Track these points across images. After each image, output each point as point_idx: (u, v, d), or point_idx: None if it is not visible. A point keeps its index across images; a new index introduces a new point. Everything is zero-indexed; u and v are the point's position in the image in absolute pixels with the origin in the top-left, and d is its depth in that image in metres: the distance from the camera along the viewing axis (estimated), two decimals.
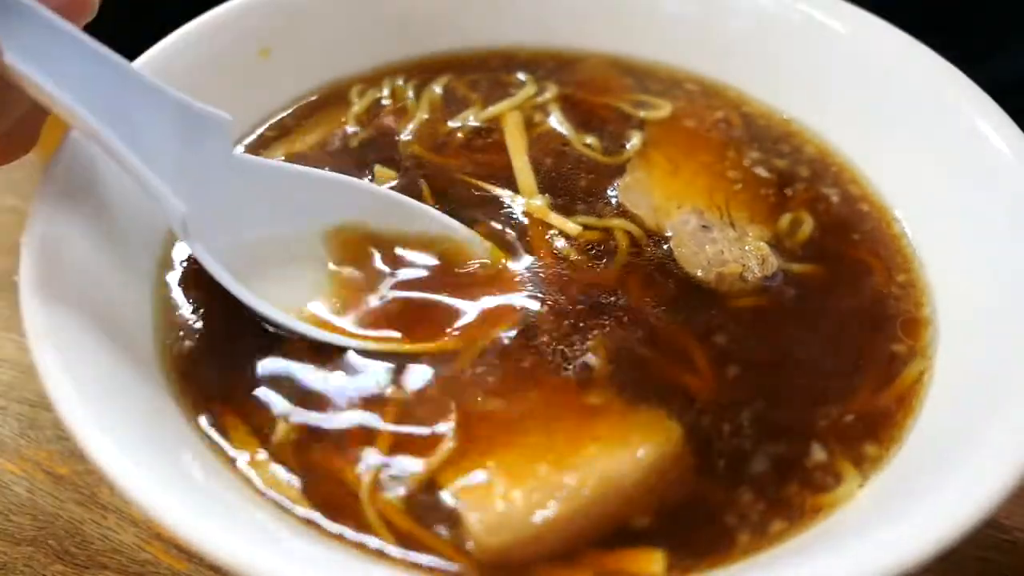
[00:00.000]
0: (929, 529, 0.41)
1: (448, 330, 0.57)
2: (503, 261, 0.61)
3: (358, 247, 0.61)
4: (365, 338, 0.56)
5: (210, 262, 0.55)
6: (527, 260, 0.61)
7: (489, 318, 0.58)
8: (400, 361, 0.56)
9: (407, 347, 0.56)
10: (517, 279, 0.60)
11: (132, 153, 0.51)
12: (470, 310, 0.59)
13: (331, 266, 0.60)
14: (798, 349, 0.58)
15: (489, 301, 0.59)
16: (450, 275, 0.60)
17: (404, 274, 0.60)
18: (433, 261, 0.61)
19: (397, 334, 0.57)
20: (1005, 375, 0.50)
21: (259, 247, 0.59)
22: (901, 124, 0.66)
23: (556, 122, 0.72)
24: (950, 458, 0.46)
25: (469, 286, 0.60)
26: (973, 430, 0.47)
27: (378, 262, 0.61)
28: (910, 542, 0.41)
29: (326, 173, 0.62)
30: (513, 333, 0.57)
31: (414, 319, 0.58)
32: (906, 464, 0.51)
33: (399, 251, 0.61)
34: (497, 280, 0.60)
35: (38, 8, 0.48)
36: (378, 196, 0.63)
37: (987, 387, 0.50)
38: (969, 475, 0.44)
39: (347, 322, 0.57)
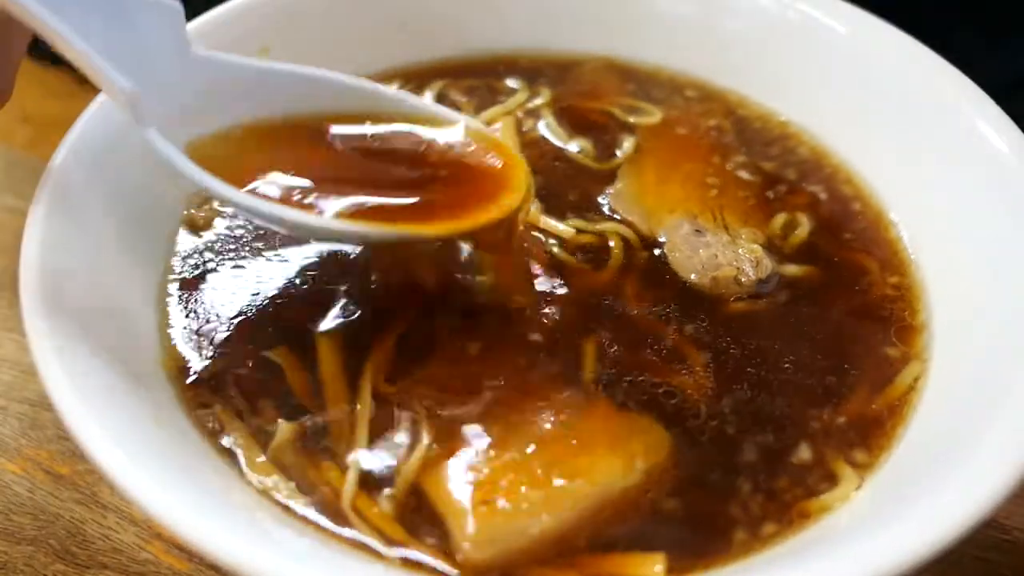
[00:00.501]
0: (928, 530, 0.41)
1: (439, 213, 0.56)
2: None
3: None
4: (336, 215, 0.54)
5: (164, 146, 0.52)
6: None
7: (482, 202, 0.56)
8: (403, 357, 0.56)
9: (381, 226, 0.54)
10: (516, 170, 0.58)
11: (70, 29, 0.47)
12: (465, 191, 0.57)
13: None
14: (794, 353, 0.57)
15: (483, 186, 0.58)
16: (436, 160, 0.58)
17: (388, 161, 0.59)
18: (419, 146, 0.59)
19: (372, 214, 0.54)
20: (1004, 375, 0.50)
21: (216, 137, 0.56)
22: (900, 124, 0.66)
23: (548, 128, 0.72)
24: (949, 459, 0.46)
25: (467, 172, 0.58)
26: (972, 431, 0.47)
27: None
28: (909, 543, 0.41)
29: (294, 67, 0.59)
30: (507, 338, 0.57)
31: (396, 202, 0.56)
32: (904, 465, 0.51)
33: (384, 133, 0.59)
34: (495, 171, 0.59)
35: None
36: (352, 86, 0.60)
37: (986, 388, 0.50)
38: (969, 475, 0.44)
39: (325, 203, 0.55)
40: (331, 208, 0.54)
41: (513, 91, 0.75)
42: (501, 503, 0.48)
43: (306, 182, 0.55)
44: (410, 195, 0.56)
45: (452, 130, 0.60)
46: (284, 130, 0.58)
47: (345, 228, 0.54)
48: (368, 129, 0.59)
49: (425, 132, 0.60)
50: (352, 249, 0.62)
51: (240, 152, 0.56)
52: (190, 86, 0.55)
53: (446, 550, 0.48)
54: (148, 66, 0.52)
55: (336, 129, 0.59)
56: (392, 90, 0.62)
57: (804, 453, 0.53)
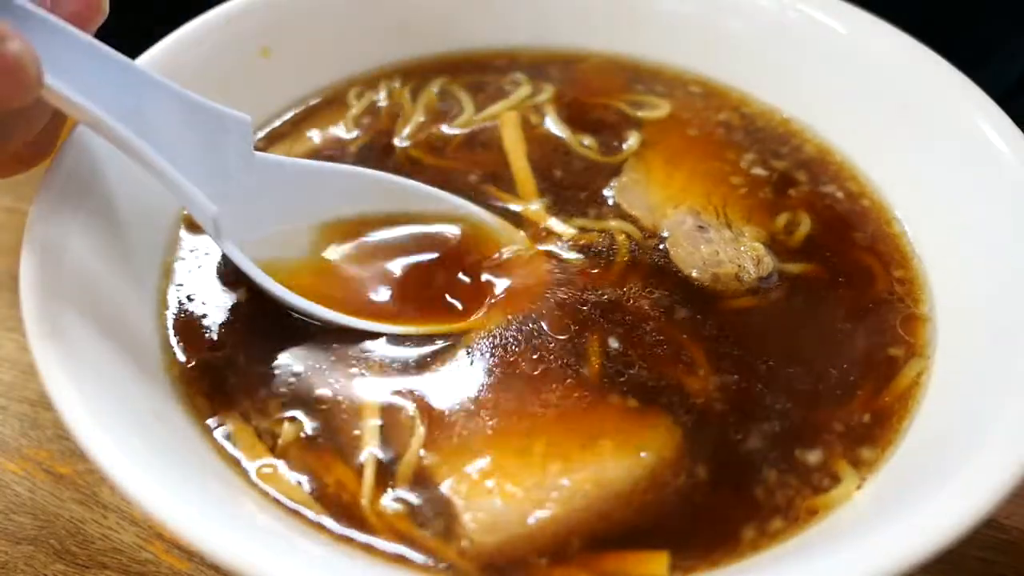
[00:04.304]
0: (928, 529, 0.41)
1: (463, 309, 0.59)
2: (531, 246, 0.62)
3: (372, 231, 0.63)
4: (386, 321, 0.57)
5: (241, 259, 0.56)
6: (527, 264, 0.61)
7: (505, 302, 0.59)
8: (404, 353, 0.56)
9: (424, 329, 0.57)
10: (541, 267, 0.61)
11: (162, 158, 0.52)
12: (491, 290, 0.60)
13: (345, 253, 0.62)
14: (796, 349, 0.58)
15: (509, 284, 0.60)
16: (471, 258, 0.62)
17: (418, 257, 0.62)
18: (451, 242, 0.62)
19: (413, 317, 0.58)
20: (1005, 375, 0.50)
21: (277, 240, 0.60)
22: (901, 124, 0.66)
23: (553, 123, 0.72)
24: (950, 458, 0.46)
25: (491, 269, 0.61)
26: (973, 430, 0.47)
27: (391, 245, 0.62)
28: (909, 542, 0.41)
29: (342, 166, 0.64)
30: (511, 333, 0.57)
31: (429, 300, 0.59)
32: (905, 464, 0.51)
33: (416, 233, 0.63)
34: (518, 265, 0.61)
35: (55, 20, 0.47)
36: (395, 184, 0.64)
37: (987, 387, 0.50)
38: (969, 475, 0.44)
39: (370, 306, 0.59)
40: (375, 308, 0.59)
41: (515, 87, 0.75)
42: (508, 491, 0.49)
43: (351, 281, 0.60)
44: (442, 293, 0.60)
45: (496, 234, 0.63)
46: (337, 229, 0.62)
47: (393, 331, 0.57)
48: (411, 229, 0.63)
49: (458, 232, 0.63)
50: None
51: (295, 251, 0.60)
52: (253, 190, 0.58)
53: (454, 542, 0.48)
54: (222, 179, 0.56)
55: (378, 228, 0.63)
56: (442, 193, 0.64)
57: (807, 451, 0.53)
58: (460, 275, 0.61)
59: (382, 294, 0.60)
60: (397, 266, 0.61)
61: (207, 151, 0.55)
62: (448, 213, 0.63)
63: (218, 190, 0.54)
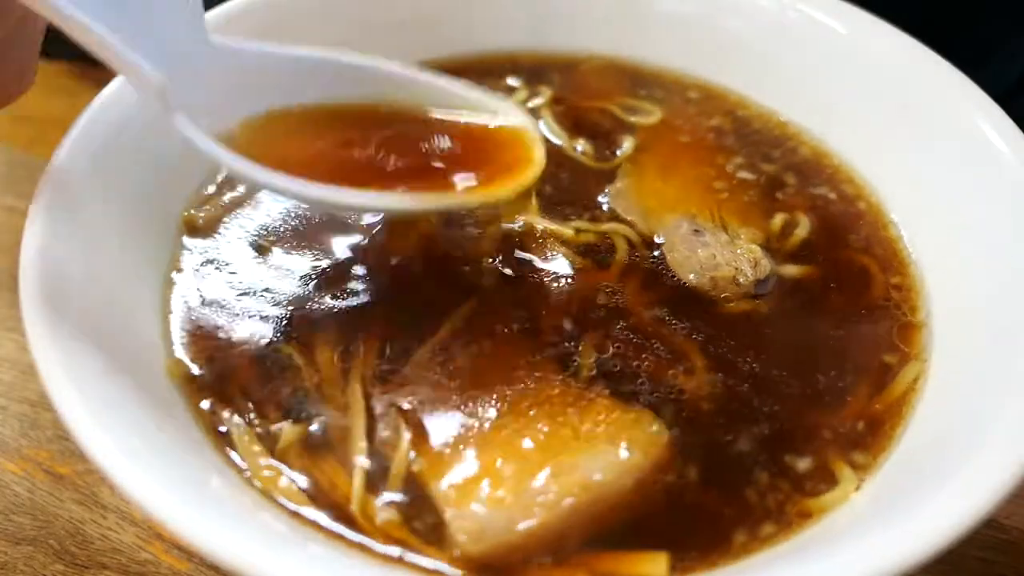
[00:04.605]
0: (928, 530, 0.41)
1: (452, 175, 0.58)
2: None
3: (357, 117, 0.60)
4: (369, 189, 0.55)
5: (195, 133, 0.52)
6: (521, 264, 0.61)
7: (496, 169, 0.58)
8: (400, 351, 0.56)
9: (419, 201, 0.56)
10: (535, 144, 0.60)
11: (99, 25, 0.47)
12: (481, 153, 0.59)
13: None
14: (792, 353, 0.57)
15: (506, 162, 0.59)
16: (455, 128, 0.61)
17: (394, 129, 0.60)
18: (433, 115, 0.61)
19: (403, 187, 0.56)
20: (1004, 375, 0.50)
21: (237, 124, 0.57)
22: (901, 124, 0.66)
23: (548, 127, 0.72)
24: (949, 459, 0.46)
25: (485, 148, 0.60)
26: (973, 430, 0.47)
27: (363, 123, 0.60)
28: (909, 543, 0.41)
29: (313, 52, 0.60)
30: (502, 332, 0.57)
31: (411, 167, 0.58)
32: (904, 465, 0.51)
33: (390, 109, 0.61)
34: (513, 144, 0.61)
35: None
36: (370, 69, 0.61)
37: (986, 387, 0.50)
38: (969, 475, 0.44)
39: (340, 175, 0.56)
40: (357, 183, 0.55)
41: (512, 90, 0.75)
42: (495, 498, 0.48)
43: (335, 162, 0.57)
44: (432, 170, 0.58)
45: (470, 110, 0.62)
46: (310, 116, 0.59)
47: (373, 201, 0.55)
48: (389, 111, 0.61)
49: (441, 112, 0.62)
50: (352, 251, 0.62)
51: (267, 138, 0.57)
52: (212, 76, 0.55)
53: (444, 546, 0.48)
54: (171, 57, 0.52)
55: (357, 113, 0.60)
56: (416, 72, 0.62)
57: (803, 453, 0.53)
58: (447, 142, 0.59)
59: (355, 164, 0.57)
60: (369, 139, 0.59)
61: (155, 27, 0.51)
62: (426, 96, 0.61)
63: (169, 65, 0.51)
